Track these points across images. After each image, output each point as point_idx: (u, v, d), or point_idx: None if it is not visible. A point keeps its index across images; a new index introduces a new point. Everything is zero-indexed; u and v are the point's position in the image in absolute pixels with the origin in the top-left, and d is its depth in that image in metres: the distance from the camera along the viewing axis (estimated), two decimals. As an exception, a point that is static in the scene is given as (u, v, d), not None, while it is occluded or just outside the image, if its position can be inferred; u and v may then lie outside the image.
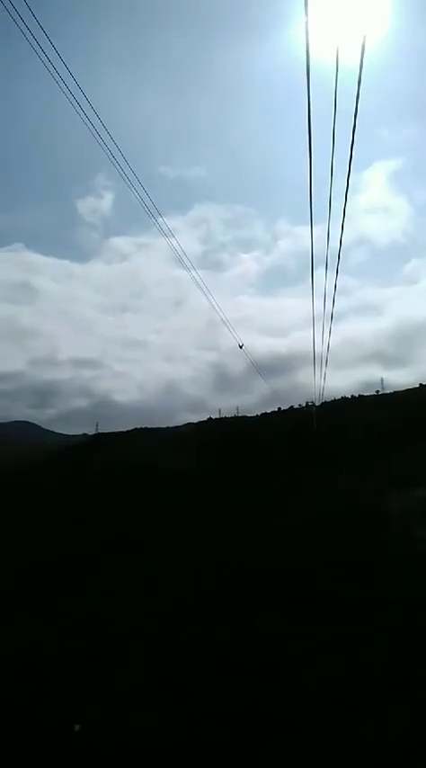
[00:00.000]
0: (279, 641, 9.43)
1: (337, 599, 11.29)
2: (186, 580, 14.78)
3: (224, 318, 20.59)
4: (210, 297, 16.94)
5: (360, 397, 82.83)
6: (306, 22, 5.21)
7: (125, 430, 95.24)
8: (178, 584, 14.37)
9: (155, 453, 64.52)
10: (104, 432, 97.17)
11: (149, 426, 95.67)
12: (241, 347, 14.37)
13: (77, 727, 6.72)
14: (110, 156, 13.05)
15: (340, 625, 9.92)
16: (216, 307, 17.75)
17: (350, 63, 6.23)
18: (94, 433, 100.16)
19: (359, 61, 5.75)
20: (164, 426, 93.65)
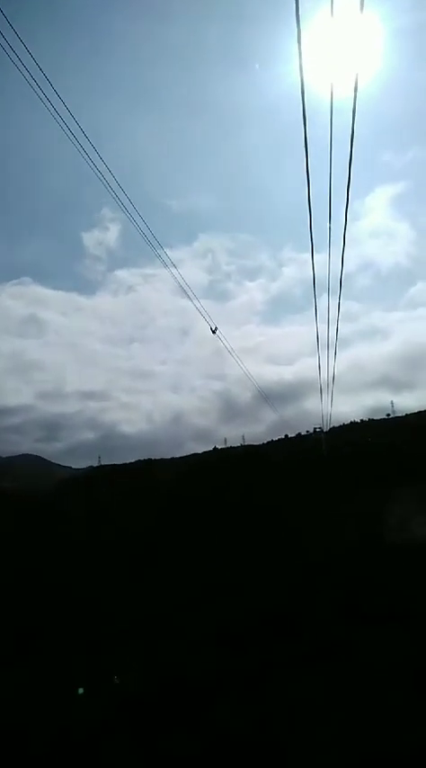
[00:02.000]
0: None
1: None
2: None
3: (227, 346, 19.53)
4: (214, 325, 16.03)
5: (370, 420, 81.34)
6: (300, 52, 5.28)
7: (128, 462, 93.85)
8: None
9: (160, 482, 63.07)
10: (108, 464, 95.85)
11: (153, 458, 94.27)
12: (214, 331, 13.13)
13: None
14: (110, 189, 12.49)
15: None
16: (219, 335, 16.88)
17: (349, 93, 6.25)
18: (97, 464, 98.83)
19: (353, 92, 5.81)
20: (168, 458, 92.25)
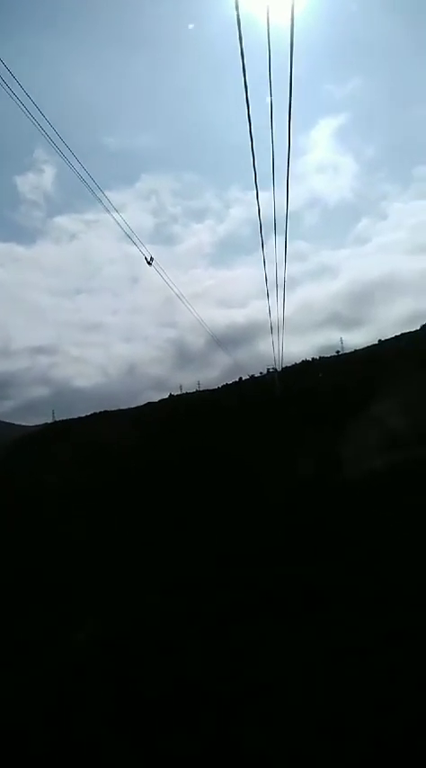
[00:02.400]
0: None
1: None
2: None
3: (165, 279, 18.53)
4: (164, 273, 15.22)
5: (321, 358, 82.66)
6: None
7: (84, 415, 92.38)
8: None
9: (117, 435, 62.40)
10: (62, 419, 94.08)
11: (109, 409, 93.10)
12: (150, 262, 12.30)
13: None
14: (41, 129, 11.32)
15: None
16: (169, 282, 16.12)
17: (285, 23, 5.83)
18: (52, 421, 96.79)
19: (290, 21, 5.50)
20: (125, 408, 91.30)
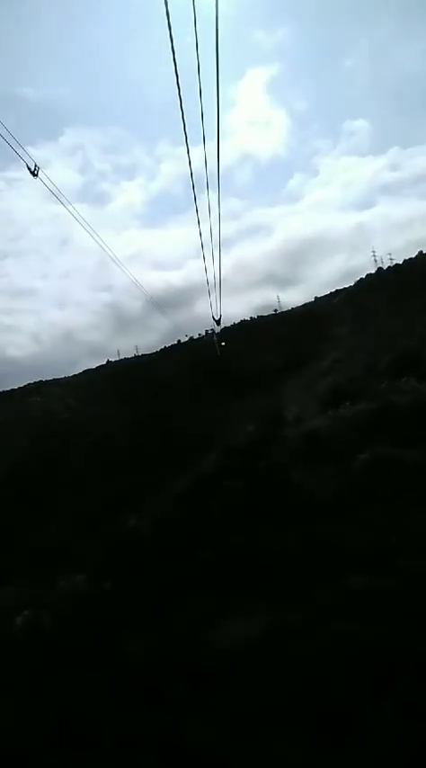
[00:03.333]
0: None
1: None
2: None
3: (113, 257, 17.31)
4: (96, 235, 14.03)
5: (259, 317, 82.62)
6: None
7: (18, 387, 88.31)
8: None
9: (56, 404, 60.16)
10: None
11: (45, 379, 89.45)
12: (34, 173, 11.22)
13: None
14: None
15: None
16: (102, 245, 15.04)
17: None
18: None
19: None
20: (61, 377, 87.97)
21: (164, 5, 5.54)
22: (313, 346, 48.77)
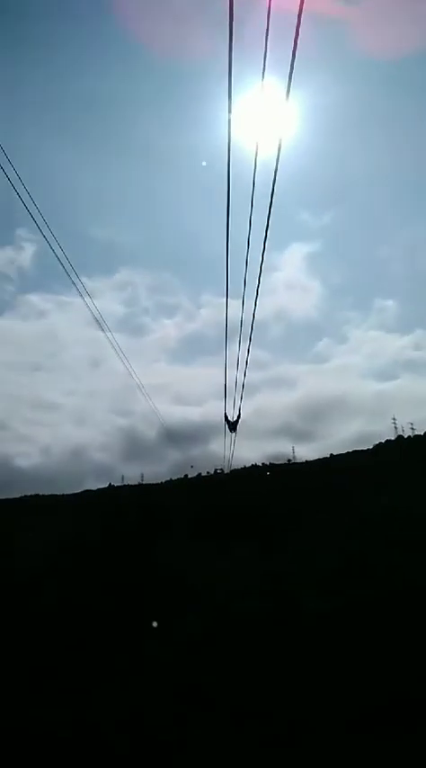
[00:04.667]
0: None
1: None
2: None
3: (139, 383, 18.14)
4: (126, 361, 14.97)
5: (271, 465, 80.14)
6: (229, 119, 6.15)
7: (13, 497, 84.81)
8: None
9: (42, 521, 56.33)
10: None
11: (43, 494, 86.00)
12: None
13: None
14: (25, 205, 10.63)
15: None
16: (131, 371, 15.86)
17: (273, 157, 6.87)
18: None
19: (277, 152, 6.61)
20: (60, 494, 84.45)
21: (226, 178, 7.03)
22: (321, 508, 45.71)
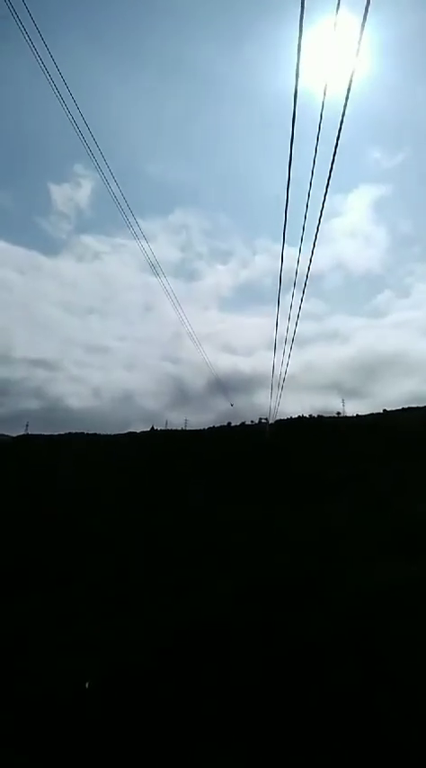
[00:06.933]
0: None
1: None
2: None
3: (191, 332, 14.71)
4: (180, 309, 11.58)
5: (319, 417, 76.33)
6: (298, 55, 5.48)
7: (57, 434, 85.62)
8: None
9: (79, 463, 55.73)
10: (33, 434, 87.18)
11: (86, 431, 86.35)
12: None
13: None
14: (85, 143, 11.50)
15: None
16: (184, 319, 12.31)
17: (343, 93, 5.98)
18: (23, 434, 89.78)
19: (348, 84, 5.80)
20: (102, 433, 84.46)
21: (291, 113, 6.34)
22: (371, 463, 42.04)
